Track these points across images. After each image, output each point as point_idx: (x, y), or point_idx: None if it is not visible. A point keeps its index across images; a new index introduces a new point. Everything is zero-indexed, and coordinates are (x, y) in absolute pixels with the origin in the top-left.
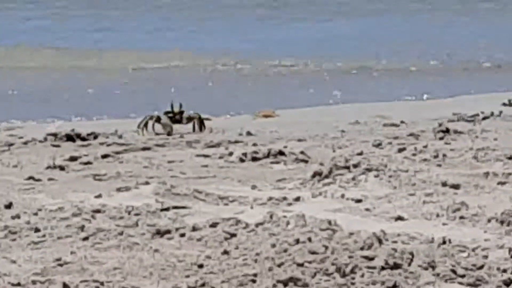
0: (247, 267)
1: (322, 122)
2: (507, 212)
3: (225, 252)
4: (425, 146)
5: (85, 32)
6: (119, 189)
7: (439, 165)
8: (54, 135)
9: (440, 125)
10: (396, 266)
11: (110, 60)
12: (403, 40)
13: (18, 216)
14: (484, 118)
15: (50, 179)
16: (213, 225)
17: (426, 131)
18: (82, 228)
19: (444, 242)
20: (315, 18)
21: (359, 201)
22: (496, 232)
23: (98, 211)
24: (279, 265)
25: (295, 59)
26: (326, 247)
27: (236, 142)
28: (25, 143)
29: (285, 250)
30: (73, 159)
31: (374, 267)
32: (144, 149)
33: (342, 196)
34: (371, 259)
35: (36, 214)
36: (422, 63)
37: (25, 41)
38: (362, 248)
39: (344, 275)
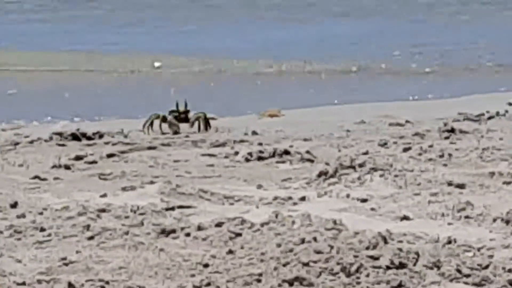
0: (253, 266)
1: (328, 122)
2: None
3: (230, 252)
4: (431, 146)
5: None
6: (124, 189)
7: (445, 165)
8: (60, 134)
9: (445, 124)
10: (401, 266)
11: (116, 62)
12: (404, 40)
13: (23, 215)
14: (489, 118)
15: (55, 178)
16: (219, 224)
17: (432, 130)
18: (87, 227)
19: (449, 242)
20: (316, 19)
21: (364, 200)
22: (501, 232)
23: (103, 210)
24: (284, 265)
25: (299, 59)
26: (332, 247)
27: (242, 141)
28: (31, 142)
29: (291, 250)
30: (78, 158)
31: (379, 267)
32: (150, 148)
33: (348, 195)
34: (376, 258)
35: (41, 213)
36: (423, 63)
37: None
38: (367, 248)
39: (349, 275)
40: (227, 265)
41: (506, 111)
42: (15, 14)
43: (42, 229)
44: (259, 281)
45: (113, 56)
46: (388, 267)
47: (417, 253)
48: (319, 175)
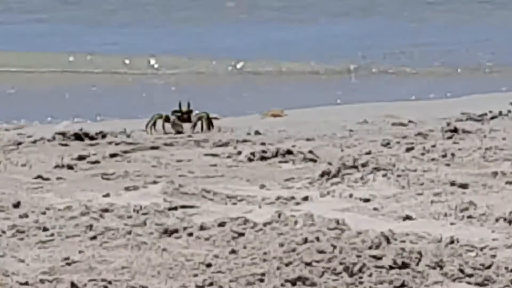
0: (255, 266)
1: (330, 122)
2: None
3: (233, 251)
4: (434, 146)
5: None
6: (127, 188)
7: (448, 165)
8: (63, 134)
9: (448, 124)
10: (404, 266)
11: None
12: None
13: (26, 215)
14: (492, 118)
15: (58, 178)
16: (221, 224)
17: (435, 130)
18: (90, 227)
19: (452, 242)
20: (315, 19)
21: (367, 200)
22: (504, 232)
23: (106, 210)
24: (287, 265)
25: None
26: (334, 247)
27: (245, 141)
28: (34, 142)
29: (293, 250)
30: (81, 158)
31: (382, 267)
32: (153, 148)
33: (350, 195)
34: (379, 258)
35: (44, 213)
36: (425, 63)
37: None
38: (370, 248)
39: (352, 275)
40: (229, 264)
41: (509, 111)
42: (9, 13)
43: (45, 229)
44: (261, 280)
45: (113, 57)
46: (390, 267)
47: (419, 253)
48: (322, 175)
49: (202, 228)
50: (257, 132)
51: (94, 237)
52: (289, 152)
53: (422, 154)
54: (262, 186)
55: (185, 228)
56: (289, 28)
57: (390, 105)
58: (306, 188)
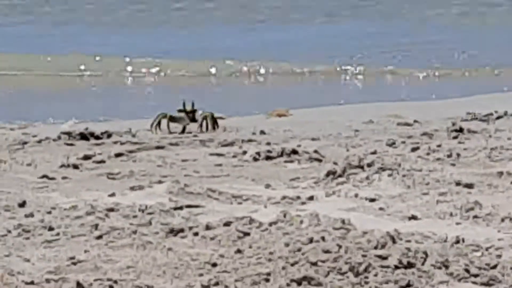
0: (261, 266)
1: (336, 121)
2: None
3: (239, 251)
4: (439, 145)
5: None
6: (132, 188)
7: (453, 165)
8: (68, 133)
9: (453, 124)
10: (409, 265)
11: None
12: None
13: (31, 215)
14: (497, 118)
15: (64, 178)
16: (227, 224)
17: (440, 130)
18: (95, 226)
19: (457, 242)
20: (319, 20)
21: (372, 200)
22: (509, 232)
23: (111, 209)
24: (292, 264)
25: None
26: (340, 246)
27: (250, 141)
28: (39, 141)
29: (299, 249)
30: (86, 157)
31: (387, 266)
32: (158, 148)
33: (356, 195)
34: (384, 258)
35: (49, 212)
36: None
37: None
38: (375, 247)
39: (357, 274)
40: (235, 264)
41: None
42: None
43: (51, 228)
44: (267, 280)
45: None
46: (396, 267)
47: (425, 253)
48: (327, 174)
49: (207, 227)
50: (262, 132)
51: (99, 237)
52: (295, 151)
53: (428, 154)
54: (268, 186)
55: (190, 228)
56: (289, 29)
57: (395, 105)
58: (312, 188)
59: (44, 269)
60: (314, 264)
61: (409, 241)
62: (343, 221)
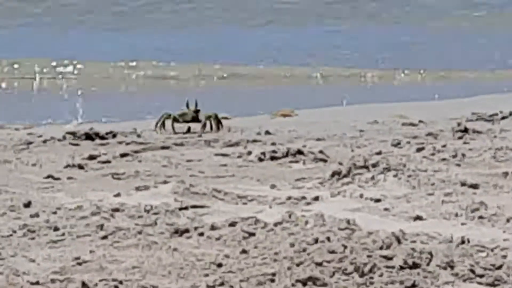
0: (266, 266)
1: (341, 122)
2: None
3: (244, 251)
4: (444, 146)
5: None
6: (138, 188)
7: (458, 165)
8: (73, 133)
9: (458, 124)
10: (414, 266)
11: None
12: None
13: (37, 215)
14: (503, 118)
15: (69, 178)
16: (232, 224)
17: (445, 130)
18: (101, 227)
19: (463, 242)
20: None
21: (378, 200)
22: None
23: (117, 210)
24: (298, 265)
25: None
26: (345, 247)
27: (255, 141)
28: (44, 141)
29: (304, 250)
30: (92, 158)
31: (392, 267)
32: (163, 148)
33: (361, 195)
34: (389, 258)
35: (55, 212)
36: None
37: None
38: (381, 248)
39: (362, 275)
40: (240, 264)
41: None
42: None
43: (56, 229)
44: (272, 280)
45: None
46: (401, 267)
47: (430, 253)
48: (333, 175)
49: (212, 228)
50: (267, 132)
51: (105, 237)
52: (300, 152)
53: (433, 154)
54: (273, 186)
55: (195, 228)
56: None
57: (400, 105)
58: (317, 188)
59: (50, 269)
60: (319, 264)
61: (414, 241)
62: (348, 222)
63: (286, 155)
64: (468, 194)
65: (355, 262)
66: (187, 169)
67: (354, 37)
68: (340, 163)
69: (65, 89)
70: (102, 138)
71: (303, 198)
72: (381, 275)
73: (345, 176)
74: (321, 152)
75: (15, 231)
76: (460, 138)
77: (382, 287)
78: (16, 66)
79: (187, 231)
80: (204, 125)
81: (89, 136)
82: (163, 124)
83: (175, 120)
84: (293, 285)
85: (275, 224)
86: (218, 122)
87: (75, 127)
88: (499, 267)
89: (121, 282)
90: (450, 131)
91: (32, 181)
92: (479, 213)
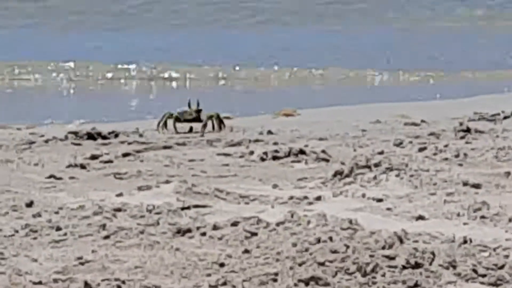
0: (268, 266)
1: (343, 122)
2: None
3: (246, 251)
4: (446, 146)
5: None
6: (140, 188)
7: (460, 165)
8: (75, 133)
9: (461, 124)
10: (417, 266)
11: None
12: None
13: (39, 215)
14: (505, 118)
15: (71, 178)
16: (234, 224)
17: (447, 130)
18: (103, 226)
19: (465, 242)
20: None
21: (380, 200)
22: None
23: (119, 209)
24: (300, 264)
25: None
26: (347, 246)
27: (257, 141)
28: (46, 141)
29: (306, 249)
30: (94, 157)
31: (395, 266)
32: (165, 147)
33: (363, 195)
34: (392, 258)
35: (57, 212)
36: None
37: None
38: (383, 247)
39: (365, 274)
40: (243, 264)
41: None
42: None
43: (58, 228)
44: (275, 280)
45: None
46: (404, 267)
47: (432, 253)
48: (335, 174)
49: (215, 227)
50: (269, 132)
51: (107, 237)
52: (302, 151)
53: (435, 154)
54: (275, 186)
55: (198, 228)
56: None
57: (402, 105)
58: (319, 188)
59: (52, 269)
60: (322, 264)
61: (416, 241)
62: (350, 221)
63: (288, 154)
64: (470, 194)
65: (357, 261)
66: (189, 168)
67: (355, 38)
68: (342, 163)
69: (67, 89)
70: (104, 137)
71: (305, 197)
72: (383, 275)
73: (347, 175)
74: (323, 151)
75: (17, 231)
76: (462, 138)
77: (385, 287)
78: (17, 66)
79: (189, 231)
80: (205, 125)
81: (91, 136)
82: (165, 124)
83: (177, 119)
84: (295, 285)
85: (277, 224)
86: (220, 121)
87: (77, 127)
88: (502, 267)
89: (123, 282)
90: (452, 131)
91: (34, 180)
92: (481, 212)
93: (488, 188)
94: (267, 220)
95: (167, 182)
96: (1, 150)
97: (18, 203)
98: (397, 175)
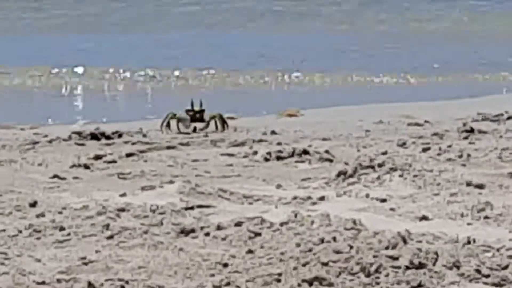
0: (272, 266)
1: (346, 122)
2: None
3: (250, 251)
4: (450, 146)
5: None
6: (143, 188)
7: (464, 165)
8: (79, 133)
9: (464, 124)
10: (420, 266)
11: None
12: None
13: (42, 215)
14: (508, 118)
15: (74, 178)
16: (238, 224)
17: (451, 130)
18: (106, 226)
19: (468, 242)
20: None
21: (383, 200)
22: None
23: (122, 210)
24: (303, 265)
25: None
26: (351, 247)
27: (261, 141)
28: (50, 141)
29: (310, 250)
30: (97, 157)
31: (398, 267)
32: (169, 148)
33: (367, 195)
34: (395, 258)
35: (60, 212)
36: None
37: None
38: (386, 248)
39: (368, 275)
40: (246, 264)
41: None
42: None
43: (62, 229)
44: (278, 280)
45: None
46: (407, 267)
47: (436, 253)
48: (338, 175)
49: (218, 227)
50: (273, 132)
51: (110, 237)
52: (305, 152)
53: (438, 154)
54: (279, 186)
55: (201, 228)
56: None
57: (406, 105)
58: (323, 188)
59: (55, 269)
60: (325, 264)
61: (420, 241)
62: (354, 222)
63: (292, 155)
64: (474, 194)
65: (361, 262)
66: (193, 169)
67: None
68: (346, 163)
69: (70, 89)
70: (108, 138)
71: (309, 198)
72: (387, 275)
73: (351, 176)
74: (327, 152)
75: (21, 231)
76: (465, 138)
77: (388, 287)
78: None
79: (193, 231)
80: (208, 124)
81: (95, 136)
82: (168, 124)
83: (180, 120)
84: (299, 285)
85: (281, 224)
86: (224, 122)
87: (81, 127)
88: (505, 267)
89: (127, 282)
90: (456, 131)
91: (38, 181)
92: (484, 213)
93: (491, 189)
94: (271, 220)
95: (171, 182)
96: (5, 150)
97: (22, 203)
98: (401, 176)
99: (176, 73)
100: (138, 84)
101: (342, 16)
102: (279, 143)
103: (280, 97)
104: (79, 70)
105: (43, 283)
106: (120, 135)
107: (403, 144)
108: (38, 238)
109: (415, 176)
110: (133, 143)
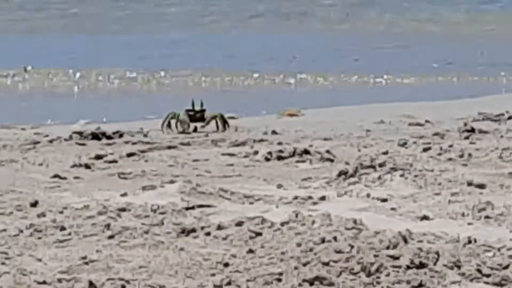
0: (273, 266)
1: (347, 122)
2: None
3: (251, 251)
4: (451, 146)
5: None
6: (144, 188)
7: (465, 165)
8: (80, 133)
9: (465, 124)
10: (421, 266)
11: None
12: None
13: (43, 214)
14: (509, 118)
15: (75, 178)
16: (239, 224)
17: (451, 130)
18: (107, 226)
19: (469, 242)
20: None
21: (384, 200)
22: None
23: (123, 209)
24: (304, 264)
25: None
26: (352, 246)
27: (261, 141)
28: (51, 141)
29: (311, 249)
30: (98, 157)
31: (399, 266)
32: (169, 147)
33: (368, 195)
34: (396, 258)
35: (61, 212)
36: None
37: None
38: (387, 247)
39: (369, 274)
40: (247, 264)
41: None
42: None
43: (63, 228)
44: (279, 280)
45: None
46: (408, 267)
47: (437, 253)
48: (339, 174)
49: (219, 227)
50: (274, 132)
51: (111, 236)
52: (306, 151)
53: (439, 154)
54: (279, 186)
55: (202, 228)
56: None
57: (406, 105)
58: (323, 188)
59: (56, 269)
60: (326, 264)
61: (421, 241)
62: (355, 221)
63: (293, 154)
64: (474, 194)
65: (362, 261)
66: (193, 168)
67: (356, 38)
68: (347, 163)
69: (70, 89)
70: (108, 137)
71: (310, 197)
72: (388, 275)
73: (351, 175)
74: (327, 151)
75: (22, 231)
76: (466, 138)
77: (389, 287)
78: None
79: (193, 230)
80: (208, 123)
81: (95, 136)
82: (169, 124)
83: (180, 120)
84: (300, 284)
85: (282, 224)
86: (224, 121)
87: (81, 127)
88: (506, 267)
89: (128, 282)
90: (457, 131)
91: (39, 180)
92: (485, 213)
93: (492, 188)
94: (272, 220)
95: (172, 182)
96: (6, 150)
97: (23, 203)
98: (402, 175)
99: (177, 73)
100: (139, 84)
101: (342, 16)
102: (280, 143)
103: (281, 97)
104: (79, 70)
105: (44, 282)
106: (121, 135)
107: (404, 144)
108: (39, 238)
109: (416, 176)
110: (134, 143)
